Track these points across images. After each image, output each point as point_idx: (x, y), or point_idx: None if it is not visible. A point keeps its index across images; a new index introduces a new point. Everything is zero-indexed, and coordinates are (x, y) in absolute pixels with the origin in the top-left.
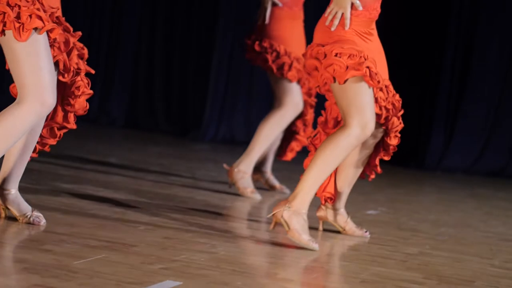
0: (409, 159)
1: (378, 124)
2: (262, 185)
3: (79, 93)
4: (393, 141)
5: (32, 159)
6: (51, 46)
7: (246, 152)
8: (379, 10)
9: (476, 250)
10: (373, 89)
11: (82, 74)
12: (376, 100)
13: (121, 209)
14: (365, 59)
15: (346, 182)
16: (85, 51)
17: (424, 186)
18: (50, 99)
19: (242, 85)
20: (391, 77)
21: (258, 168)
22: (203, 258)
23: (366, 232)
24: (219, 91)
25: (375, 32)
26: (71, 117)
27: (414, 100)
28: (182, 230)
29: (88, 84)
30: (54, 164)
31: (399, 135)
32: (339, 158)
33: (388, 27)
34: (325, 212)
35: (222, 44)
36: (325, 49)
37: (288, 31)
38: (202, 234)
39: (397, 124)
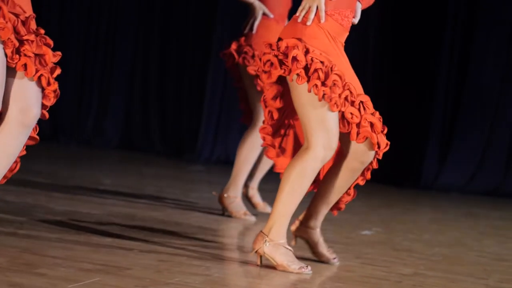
0: (404, 178)
1: (368, 147)
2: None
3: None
4: (374, 163)
5: (26, 182)
6: (20, 52)
7: (231, 178)
8: (350, 21)
9: (470, 270)
10: (341, 103)
11: None
12: (350, 117)
13: (116, 231)
14: (331, 71)
15: (325, 202)
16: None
17: (419, 206)
18: None
19: (237, 105)
20: (386, 96)
21: (245, 183)
22: (197, 281)
23: (334, 258)
24: (214, 112)
25: (342, 49)
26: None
27: (408, 119)
28: (176, 252)
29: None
30: (48, 186)
31: (379, 157)
32: (307, 184)
33: (382, 45)
34: (300, 229)
35: (217, 64)
36: (305, 44)
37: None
38: (196, 256)
39: (385, 143)
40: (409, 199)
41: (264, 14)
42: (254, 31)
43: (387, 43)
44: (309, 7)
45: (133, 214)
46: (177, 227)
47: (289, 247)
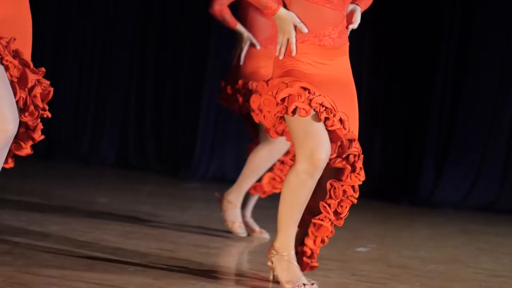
0: (399, 194)
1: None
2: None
3: (38, 138)
4: (352, 180)
5: (21, 200)
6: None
7: (236, 183)
8: (334, 37)
9: (466, 287)
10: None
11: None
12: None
13: (111, 250)
14: (292, 87)
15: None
16: (51, 90)
17: (414, 222)
18: (11, 127)
19: (232, 122)
20: (381, 112)
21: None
22: None
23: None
24: (209, 129)
25: (337, 62)
26: (10, 157)
27: (404, 135)
28: (172, 270)
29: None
30: (43, 205)
31: (361, 175)
32: (296, 196)
33: (376, 59)
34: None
35: (212, 82)
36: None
37: (263, 70)
38: (191, 274)
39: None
40: (405, 215)
41: (251, 44)
42: (241, 63)
43: (381, 58)
44: (282, 40)
45: (129, 232)
46: (173, 245)
47: (291, 261)
